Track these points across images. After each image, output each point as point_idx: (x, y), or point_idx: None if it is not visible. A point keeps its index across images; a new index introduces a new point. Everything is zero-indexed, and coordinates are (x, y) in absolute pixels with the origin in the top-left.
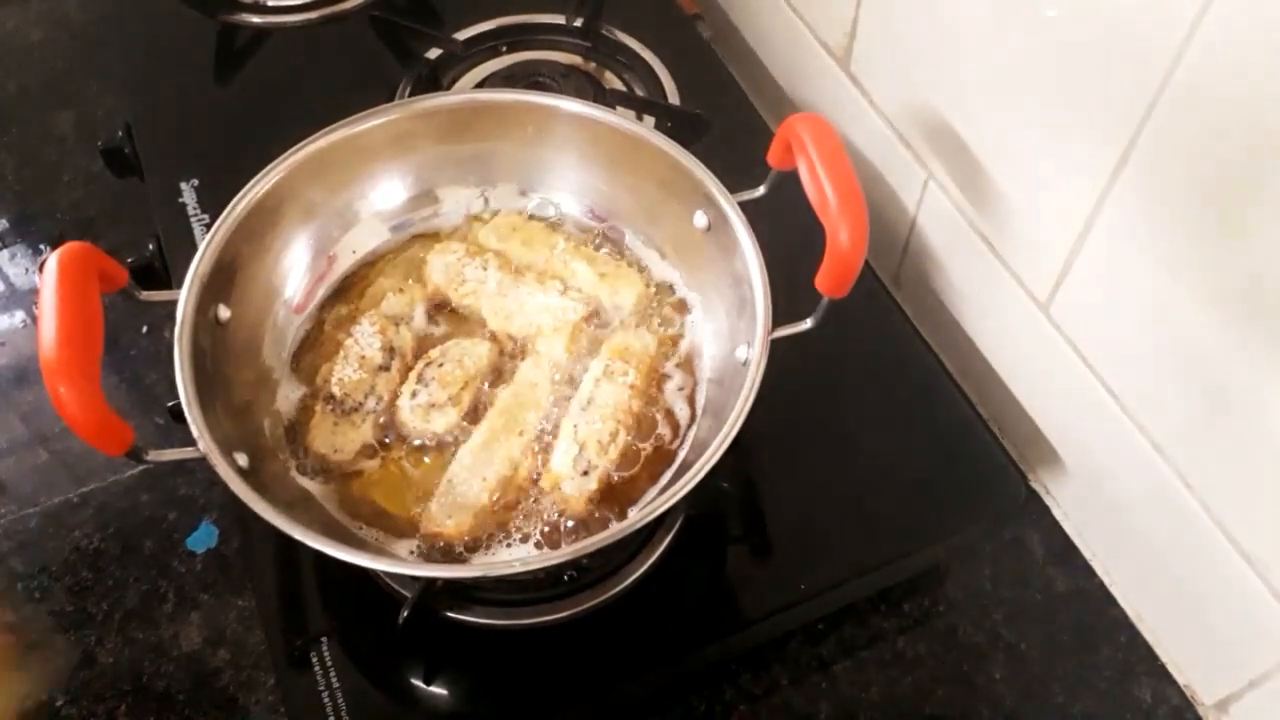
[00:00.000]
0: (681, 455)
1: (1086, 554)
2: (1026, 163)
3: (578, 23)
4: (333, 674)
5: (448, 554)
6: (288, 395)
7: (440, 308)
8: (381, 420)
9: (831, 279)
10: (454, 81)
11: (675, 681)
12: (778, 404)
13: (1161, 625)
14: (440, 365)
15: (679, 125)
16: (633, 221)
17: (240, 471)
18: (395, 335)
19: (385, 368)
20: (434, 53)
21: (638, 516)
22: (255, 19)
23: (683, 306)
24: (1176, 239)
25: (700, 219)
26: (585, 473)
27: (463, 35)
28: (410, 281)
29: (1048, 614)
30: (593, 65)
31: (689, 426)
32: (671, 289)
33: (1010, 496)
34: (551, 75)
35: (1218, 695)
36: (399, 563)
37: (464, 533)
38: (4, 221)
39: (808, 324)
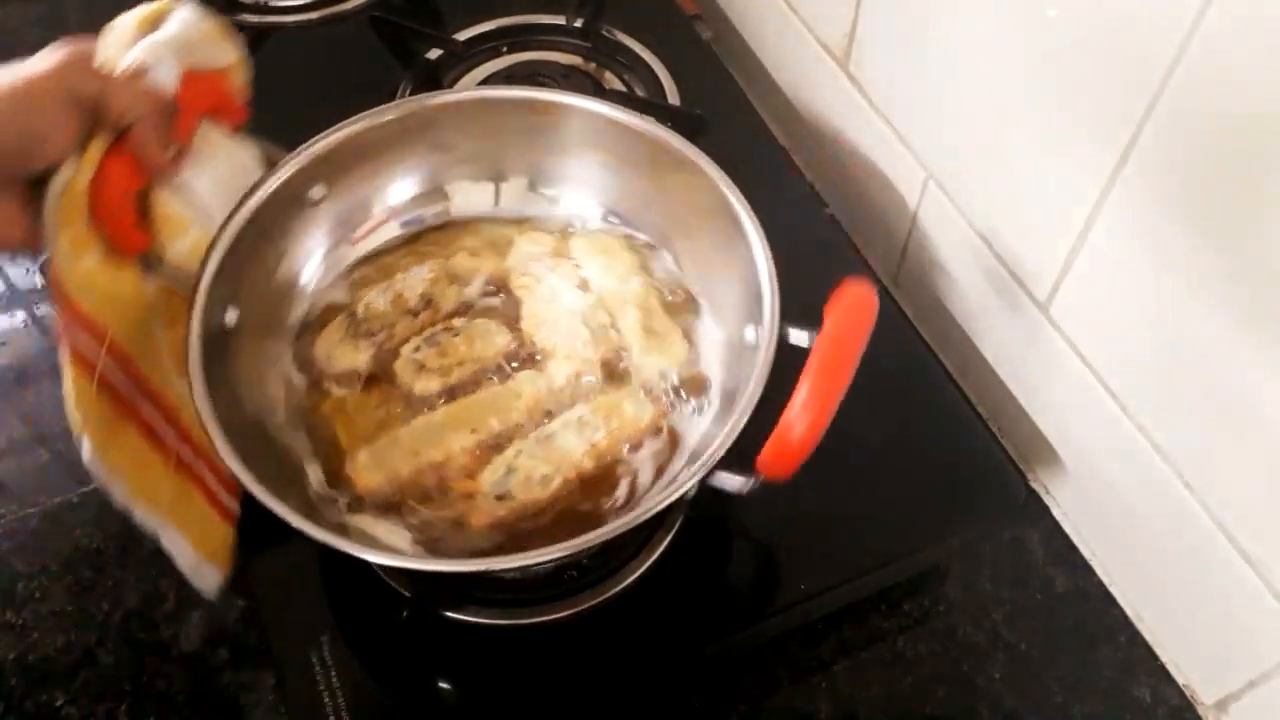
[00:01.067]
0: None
1: (1086, 554)
2: (1026, 162)
3: (578, 23)
4: (333, 674)
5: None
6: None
7: (499, 288)
8: (381, 357)
9: (772, 464)
10: (454, 82)
11: (675, 681)
12: (776, 404)
13: (1161, 625)
14: (454, 335)
15: (679, 125)
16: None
17: (225, 332)
18: (442, 291)
19: (414, 313)
20: (434, 53)
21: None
22: (255, 19)
23: (700, 391)
24: (1176, 239)
25: (750, 334)
26: (499, 498)
27: (463, 35)
28: (490, 252)
29: (1048, 614)
30: (593, 66)
31: (642, 494)
32: (705, 383)
33: (1010, 496)
34: (552, 75)
35: (1217, 695)
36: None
37: (371, 491)
38: None
39: (742, 487)
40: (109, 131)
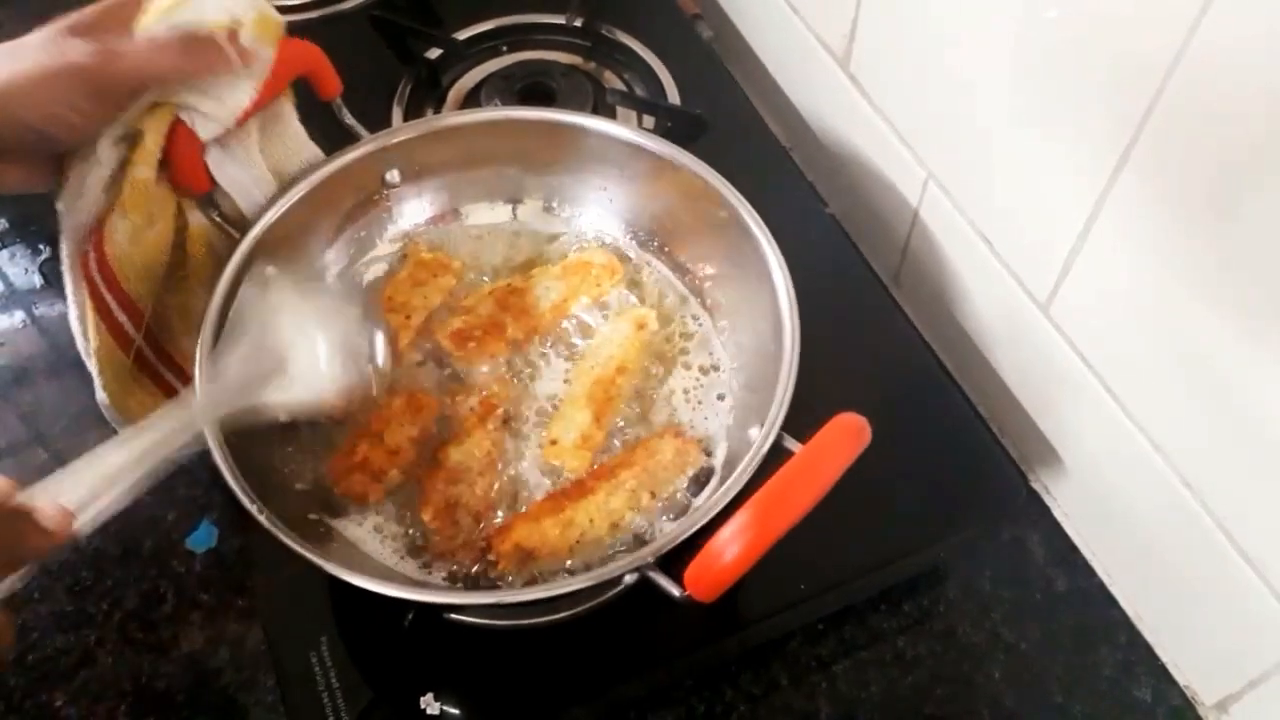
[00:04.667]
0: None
1: (1086, 554)
2: (1026, 162)
3: (578, 22)
4: (332, 674)
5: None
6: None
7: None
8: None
9: (695, 583)
10: (454, 81)
11: (675, 681)
12: None
13: (1161, 625)
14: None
15: (679, 125)
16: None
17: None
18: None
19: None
20: (434, 52)
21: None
22: None
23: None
24: (1177, 238)
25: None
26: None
27: (463, 35)
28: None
29: (1048, 614)
30: (592, 65)
31: None
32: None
33: (1010, 496)
34: (551, 75)
35: (1218, 695)
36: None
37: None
38: (4, 221)
39: (679, 595)
40: (155, 112)
